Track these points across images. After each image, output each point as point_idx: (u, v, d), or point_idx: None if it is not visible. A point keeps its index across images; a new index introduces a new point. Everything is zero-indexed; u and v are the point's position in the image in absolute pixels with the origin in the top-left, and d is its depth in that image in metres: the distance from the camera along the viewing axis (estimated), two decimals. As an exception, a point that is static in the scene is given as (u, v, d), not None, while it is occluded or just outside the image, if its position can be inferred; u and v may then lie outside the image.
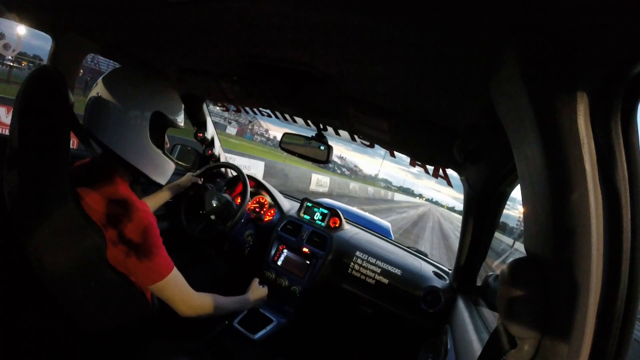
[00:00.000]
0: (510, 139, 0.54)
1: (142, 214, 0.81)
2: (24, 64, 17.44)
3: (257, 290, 1.27)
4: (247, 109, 1.53)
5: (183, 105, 0.98)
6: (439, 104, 0.81)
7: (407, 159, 1.29)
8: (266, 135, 53.74)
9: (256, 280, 1.31)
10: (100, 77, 0.89)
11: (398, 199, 59.19)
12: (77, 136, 0.87)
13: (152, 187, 1.38)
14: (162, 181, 0.96)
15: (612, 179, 0.37)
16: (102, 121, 0.84)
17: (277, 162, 13.41)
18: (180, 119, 0.96)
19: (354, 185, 24.49)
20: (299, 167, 15.03)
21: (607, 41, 0.36)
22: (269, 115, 1.50)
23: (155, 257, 0.83)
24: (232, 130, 40.17)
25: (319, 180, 16.33)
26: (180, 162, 1.86)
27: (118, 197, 0.81)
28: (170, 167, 0.97)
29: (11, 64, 13.82)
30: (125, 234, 0.78)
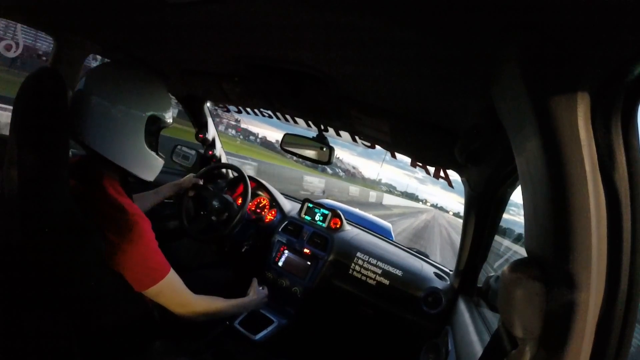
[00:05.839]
0: (510, 140, 0.53)
1: (132, 217, 0.79)
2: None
3: (258, 293, 1.26)
4: (249, 109, 1.53)
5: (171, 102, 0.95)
6: (439, 105, 0.81)
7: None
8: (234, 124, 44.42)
9: (255, 282, 1.30)
10: (86, 74, 0.83)
11: (390, 203, 39.31)
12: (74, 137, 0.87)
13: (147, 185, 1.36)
14: (151, 178, 0.93)
15: (612, 179, 0.37)
16: (91, 125, 0.80)
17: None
18: (171, 119, 0.92)
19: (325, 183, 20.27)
20: (274, 164, 13.92)
21: (607, 41, 0.36)
22: (270, 116, 1.51)
23: (147, 261, 0.81)
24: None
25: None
26: (181, 163, 1.87)
27: (108, 200, 0.79)
28: (160, 164, 0.94)
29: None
30: (115, 238, 0.77)
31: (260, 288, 1.30)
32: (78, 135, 0.81)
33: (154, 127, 0.88)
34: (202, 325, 1.23)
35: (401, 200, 62.94)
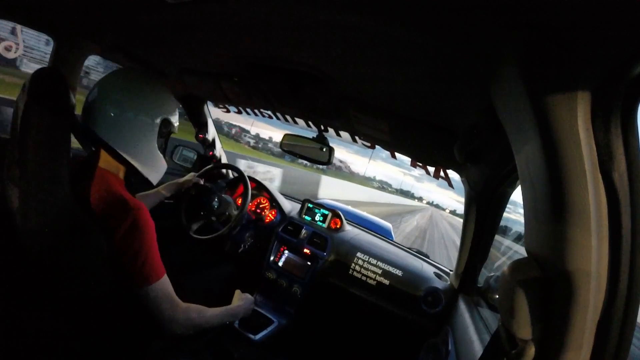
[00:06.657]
0: (510, 140, 0.53)
1: (137, 212, 0.80)
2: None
3: (242, 301, 1.16)
4: (248, 109, 1.53)
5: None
6: (439, 104, 0.81)
7: (409, 161, 1.29)
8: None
9: (238, 292, 1.21)
10: (103, 79, 0.87)
11: (337, 196, 13.93)
12: (77, 137, 0.87)
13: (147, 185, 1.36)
14: (155, 180, 0.96)
15: (612, 178, 0.37)
16: (108, 124, 0.83)
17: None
18: (177, 125, 0.99)
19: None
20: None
21: (607, 41, 0.36)
22: (270, 116, 1.50)
23: (145, 259, 0.80)
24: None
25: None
26: (181, 164, 1.87)
27: (114, 197, 0.80)
28: (165, 168, 0.99)
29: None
30: (119, 234, 0.77)
31: (245, 295, 1.20)
32: (91, 131, 0.84)
33: (165, 131, 0.95)
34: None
35: (379, 195, 38.76)
